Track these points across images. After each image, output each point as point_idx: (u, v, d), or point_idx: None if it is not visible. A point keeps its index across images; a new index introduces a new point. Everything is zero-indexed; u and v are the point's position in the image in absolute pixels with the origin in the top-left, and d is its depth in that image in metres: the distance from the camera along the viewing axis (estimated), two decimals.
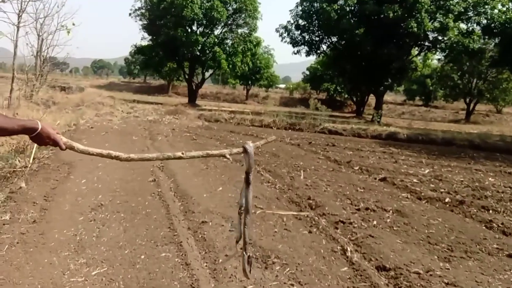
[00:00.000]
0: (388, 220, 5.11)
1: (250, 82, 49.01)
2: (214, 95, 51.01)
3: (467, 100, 41.14)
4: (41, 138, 1.60)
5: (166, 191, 5.76)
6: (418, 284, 3.22)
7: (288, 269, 3.36)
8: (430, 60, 32.87)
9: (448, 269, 3.63)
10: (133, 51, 31.34)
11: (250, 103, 46.85)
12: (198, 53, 27.33)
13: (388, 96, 45.00)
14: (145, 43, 29.66)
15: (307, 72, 65.40)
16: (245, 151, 1.88)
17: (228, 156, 1.95)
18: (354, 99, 34.46)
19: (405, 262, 3.67)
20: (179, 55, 27.08)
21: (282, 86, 72.57)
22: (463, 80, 41.05)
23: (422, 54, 27.10)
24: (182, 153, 1.89)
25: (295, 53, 27.65)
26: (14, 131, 1.55)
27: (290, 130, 17.42)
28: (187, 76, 29.53)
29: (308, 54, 27.28)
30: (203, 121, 18.07)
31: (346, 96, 46.94)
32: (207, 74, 30.90)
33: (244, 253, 1.90)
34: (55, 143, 1.63)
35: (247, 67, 31.37)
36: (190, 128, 15.44)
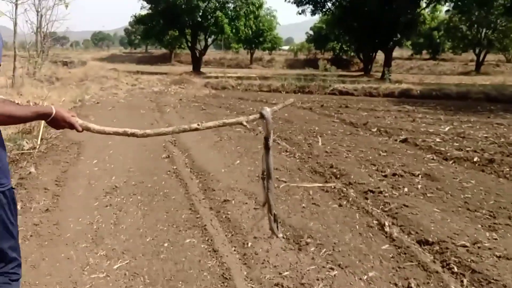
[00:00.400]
0: (419, 186, 4.81)
1: (253, 46, 47.83)
2: (218, 61, 50.03)
3: (477, 51, 39.95)
4: (57, 122, 1.60)
5: (182, 168, 5.49)
6: (468, 259, 2.94)
7: (324, 250, 3.10)
8: (438, 12, 31.61)
9: (496, 239, 3.34)
10: (132, 21, 30.46)
11: (255, 67, 45.99)
12: (199, 19, 26.44)
13: (395, 52, 43.78)
14: (144, 12, 28.83)
15: (311, 32, 63.85)
16: (262, 116, 1.87)
17: (245, 123, 1.96)
18: (361, 57, 33.53)
19: (448, 234, 3.39)
20: (180, 22, 26.21)
21: (285, 48, 70.98)
22: (472, 31, 39.70)
23: (431, 6, 25.89)
24: (198, 124, 1.87)
25: (300, 13, 26.73)
26: (28, 118, 1.55)
27: (299, 94, 16.98)
28: (189, 44, 28.75)
29: (313, 13, 26.25)
30: (210, 89, 17.65)
31: (352, 54, 45.81)
32: (210, 41, 29.98)
33: (269, 214, 1.97)
34: (71, 126, 1.64)
35: (250, 31, 30.47)
36: (198, 98, 15.06)
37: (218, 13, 25.36)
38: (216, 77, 19.57)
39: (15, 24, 15.36)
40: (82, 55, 43.77)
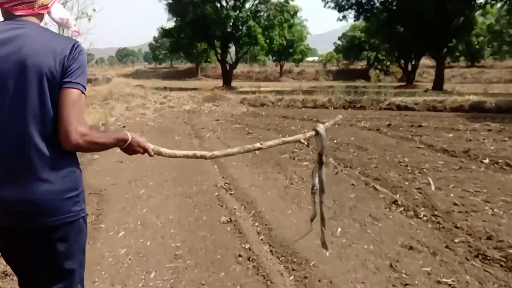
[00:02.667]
0: None
1: (283, 58, 46.00)
2: (245, 74, 48.44)
3: None
4: (132, 148, 1.59)
5: (258, 246, 3.45)
6: None
7: None
8: (487, 14, 29.04)
9: None
10: (159, 34, 29.02)
11: (285, 80, 44.15)
12: (230, 30, 24.76)
13: (425, 60, 40.71)
14: (171, 24, 27.35)
15: (339, 42, 61.65)
16: (317, 133, 1.92)
17: (303, 141, 1.96)
18: (403, 66, 31.19)
19: None
20: (210, 34, 24.58)
21: (310, 59, 68.73)
22: None
23: (486, 6, 23.29)
24: (261, 144, 1.93)
25: (340, 20, 24.57)
26: (111, 144, 1.53)
27: (350, 109, 14.88)
28: (219, 57, 27.04)
29: (357, 18, 24.12)
30: (247, 107, 15.77)
31: (388, 64, 43.43)
32: (241, 53, 28.18)
33: (323, 228, 2.08)
34: (145, 151, 1.66)
35: (284, 41, 28.59)
36: (236, 117, 13.16)
37: (251, 22, 23.55)
38: (253, 93, 17.65)
39: None
40: (107, 72, 42.92)
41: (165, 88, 21.28)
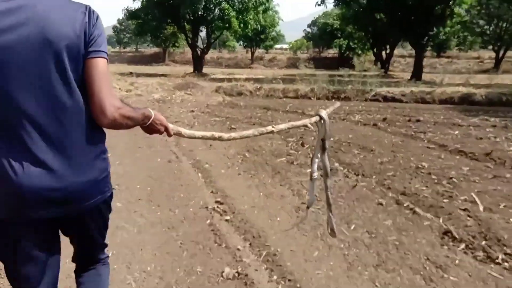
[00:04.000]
0: None
1: (254, 44, 44.51)
2: (215, 60, 46.71)
3: (496, 47, 37.24)
4: (153, 126, 1.51)
5: None
6: None
7: None
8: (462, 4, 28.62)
9: None
10: (124, 15, 26.90)
11: (256, 67, 42.80)
12: (202, 12, 23.09)
13: (396, 49, 40.32)
14: (137, 5, 25.36)
15: (308, 30, 60.73)
16: (320, 118, 1.92)
17: (309, 125, 1.95)
18: (377, 55, 30.49)
19: None
20: (179, 16, 22.84)
21: (278, 46, 67.52)
22: (490, 26, 37.07)
23: None
24: (273, 127, 1.88)
25: (319, 4, 23.34)
26: (138, 120, 1.43)
27: (333, 100, 13.85)
28: (190, 41, 25.33)
29: (337, 3, 22.92)
30: (223, 96, 14.44)
31: (360, 52, 42.84)
32: (213, 37, 26.47)
33: (329, 213, 2.07)
34: (166, 129, 1.58)
35: (259, 25, 27.15)
36: (212, 108, 11.88)
37: (224, 4, 21.94)
38: (229, 80, 16.29)
39: None
40: None
41: (130, 73, 19.54)
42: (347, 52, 43.69)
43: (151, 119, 1.48)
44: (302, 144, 6.92)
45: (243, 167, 5.43)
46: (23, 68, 1.23)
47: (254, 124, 8.86)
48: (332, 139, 7.34)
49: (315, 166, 1.94)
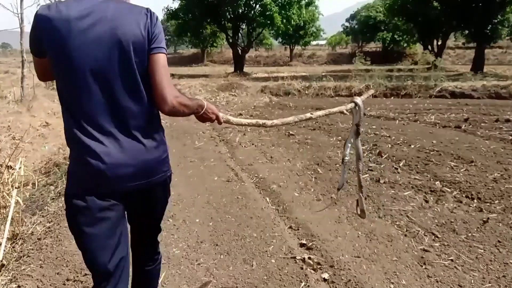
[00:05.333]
0: None
1: (293, 40, 43.19)
2: (253, 59, 45.73)
3: None
4: (206, 115, 1.64)
5: None
6: None
7: None
8: None
9: None
10: (164, 15, 26.36)
11: (296, 64, 41.57)
12: (242, 9, 22.14)
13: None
14: (177, 4, 24.69)
15: (347, 24, 58.62)
16: (355, 105, 1.99)
17: (346, 112, 2.01)
18: (427, 48, 28.52)
19: None
20: (220, 14, 22.00)
21: (314, 42, 65.72)
22: None
23: None
24: (311, 114, 1.95)
25: None
26: (193, 109, 1.59)
27: (392, 98, 12.56)
28: (230, 40, 24.44)
29: None
30: (269, 96, 13.44)
31: (405, 45, 40.75)
32: (254, 34, 25.41)
33: (360, 194, 2.12)
34: (217, 118, 1.70)
35: (301, 21, 25.94)
36: (260, 109, 10.93)
37: (266, 0, 20.82)
38: (275, 79, 15.25)
39: (21, 21, 11.33)
40: None
41: (172, 75, 18.91)
42: (391, 45, 41.65)
43: (204, 109, 1.62)
44: (380, 154, 5.79)
45: (320, 188, 4.37)
46: (97, 60, 1.41)
47: (314, 130, 7.77)
48: (412, 146, 6.17)
49: (348, 150, 2.03)
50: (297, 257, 2.81)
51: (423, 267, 2.70)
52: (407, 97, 12.45)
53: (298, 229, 3.34)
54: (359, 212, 2.13)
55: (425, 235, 3.17)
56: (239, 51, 24.72)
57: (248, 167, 5.26)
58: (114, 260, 1.55)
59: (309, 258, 2.79)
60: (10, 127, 9.22)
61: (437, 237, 3.12)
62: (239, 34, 25.10)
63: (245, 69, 26.71)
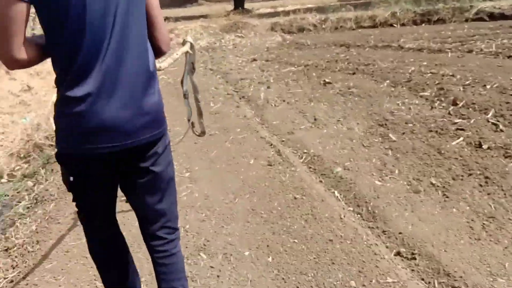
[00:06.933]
0: None
1: None
2: None
3: None
4: None
5: None
6: None
7: None
8: None
9: None
10: None
11: None
12: None
13: None
14: None
15: None
16: (191, 44, 1.96)
17: (190, 51, 1.96)
18: None
19: None
20: None
21: None
22: None
23: None
24: (160, 67, 1.80)
25: None
26: None
27: (424, 24, 10.88)
28: None
29: None
30: (281, 35, 11.78)
31: None
32: None
33: (201, 120, 2.21)
34: None
35: None
36: (275, 51, 9.46)
37: None
38: (286, 14, 13.42)
39: None
40: None
41: (166, 19, 16.93)
42: None
43: None
44: (455, 102, 4.41)
45: (407, 168, 3.06)
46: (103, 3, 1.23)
47: (354, 73, 6.30)
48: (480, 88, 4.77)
49: (185, 87, 2.02)
50: None
51: None
52: (440, 23, 10.76)
53: (414, 258, 2.07)
54: (199, 133, 2.20)
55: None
56: None
57: (289, 138, 3.92)
58: None
59: None
60: None
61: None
62: None
63: (246, 5, 24.42)
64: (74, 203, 1.48)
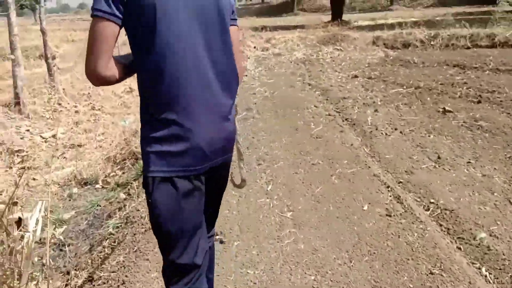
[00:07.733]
0: None
1: None
2: (347, 5, 41.62)
3: None
4: None
5: None
6: None
7: None
8: None
9: None
10: None
11: (397, 8, 36.93)
12: None
13: None
14: None
15: None
16: None
17: None
18: None
19: None
20: None
21: None
22: None
23: None
24: None
25: None
26: None
27: None
28: None
29: None
30: (384, 50, 10.96)
31: None
32: None
33: (241, 165, 1.94)
34: None
35: None
36: (377, 68, 8.73)
37: None
38: (391, 27, 12.53)
39: None
40: None
41: (263, 28, 16.77)
42: None
43: None
44: None
45: None
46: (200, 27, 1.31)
47: (479, 102, 5.42)
48: None
49: None
50: None
51: None
52: None
53: None
54: (237, 184, 1.92)
55: None
56: None
57: (409, 179, 3.28)
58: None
59: None
60: (90, 95, 8.11)
61: None
62: None
63: (343, 16, 23.66)
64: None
